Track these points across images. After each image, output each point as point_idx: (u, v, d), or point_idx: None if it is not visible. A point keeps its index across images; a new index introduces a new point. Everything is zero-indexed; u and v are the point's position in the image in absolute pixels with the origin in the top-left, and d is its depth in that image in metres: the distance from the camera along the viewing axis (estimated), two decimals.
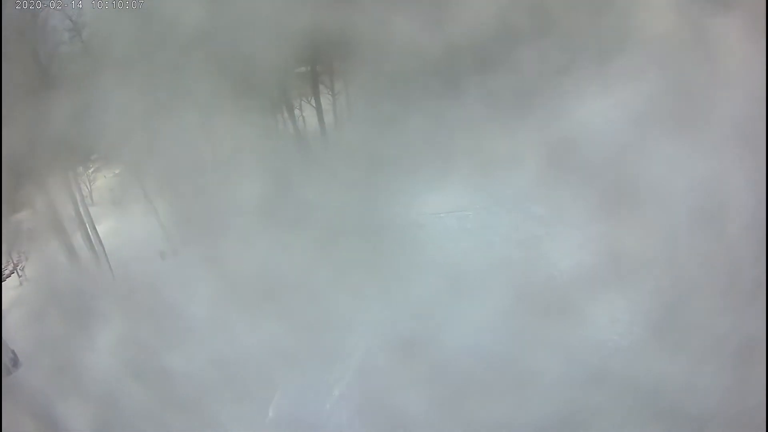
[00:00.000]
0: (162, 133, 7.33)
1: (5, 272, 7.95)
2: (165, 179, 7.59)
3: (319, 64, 8.58)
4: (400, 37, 7.10)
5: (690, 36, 7.05)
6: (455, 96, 7.82)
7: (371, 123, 7.73)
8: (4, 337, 7.47)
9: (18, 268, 8.03)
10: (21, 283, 7.95)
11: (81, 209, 7.95)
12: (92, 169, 8.44)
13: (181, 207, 7.69)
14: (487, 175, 7.76)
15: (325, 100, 8.56)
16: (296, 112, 8.60)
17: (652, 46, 7.16)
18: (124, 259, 7.78)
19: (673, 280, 6.84)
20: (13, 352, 7.60)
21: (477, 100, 7.62)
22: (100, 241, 7.98)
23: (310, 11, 7.18)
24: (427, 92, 7.77)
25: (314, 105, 8.57)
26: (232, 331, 7.33)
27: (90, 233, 7.93)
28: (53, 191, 7.77)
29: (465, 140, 7.77)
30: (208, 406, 7.08)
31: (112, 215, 8.06)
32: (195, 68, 7.24)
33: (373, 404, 7.17)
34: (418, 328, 7.30)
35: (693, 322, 6.54)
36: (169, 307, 7.27)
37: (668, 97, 7.06)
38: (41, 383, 7.13)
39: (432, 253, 7.73)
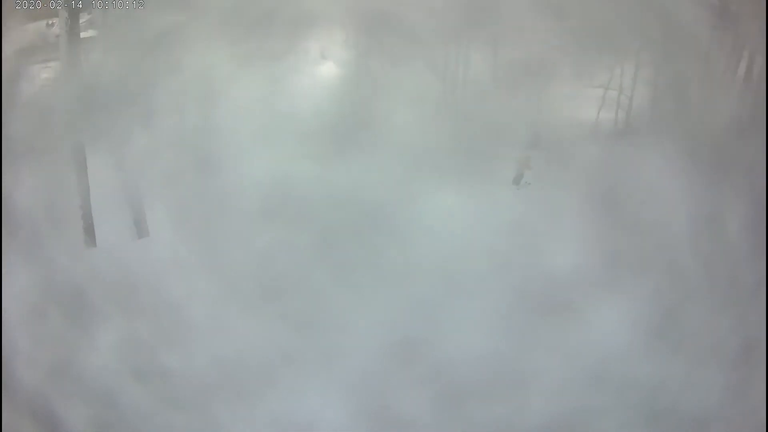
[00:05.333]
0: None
1: None
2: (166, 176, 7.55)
3: None
4: None
5: None
6: None
7: None
8: None
9: None
10: None
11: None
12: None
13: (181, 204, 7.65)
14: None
15: None
16: None
17: None
18: (124, 257, 7.73)
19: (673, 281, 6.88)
20: None
21: None
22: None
23: None
24: None
25: None
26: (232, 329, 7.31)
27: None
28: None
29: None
30: (208, 405, 7.05)
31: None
32: None
33: (372, 405, 7.16)
34: (417, 328, 7.29)
35: (693, 322, 6.58)
36: (169, 306, 7.23)
37: None
38: (40, 382, 7.09)
39: (430, 252, 7.72)
